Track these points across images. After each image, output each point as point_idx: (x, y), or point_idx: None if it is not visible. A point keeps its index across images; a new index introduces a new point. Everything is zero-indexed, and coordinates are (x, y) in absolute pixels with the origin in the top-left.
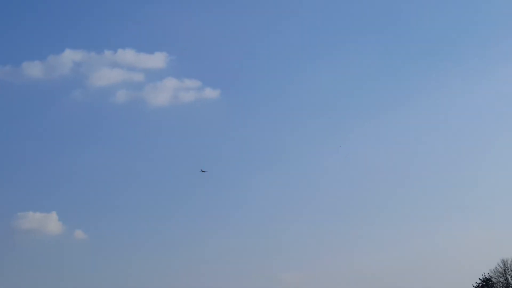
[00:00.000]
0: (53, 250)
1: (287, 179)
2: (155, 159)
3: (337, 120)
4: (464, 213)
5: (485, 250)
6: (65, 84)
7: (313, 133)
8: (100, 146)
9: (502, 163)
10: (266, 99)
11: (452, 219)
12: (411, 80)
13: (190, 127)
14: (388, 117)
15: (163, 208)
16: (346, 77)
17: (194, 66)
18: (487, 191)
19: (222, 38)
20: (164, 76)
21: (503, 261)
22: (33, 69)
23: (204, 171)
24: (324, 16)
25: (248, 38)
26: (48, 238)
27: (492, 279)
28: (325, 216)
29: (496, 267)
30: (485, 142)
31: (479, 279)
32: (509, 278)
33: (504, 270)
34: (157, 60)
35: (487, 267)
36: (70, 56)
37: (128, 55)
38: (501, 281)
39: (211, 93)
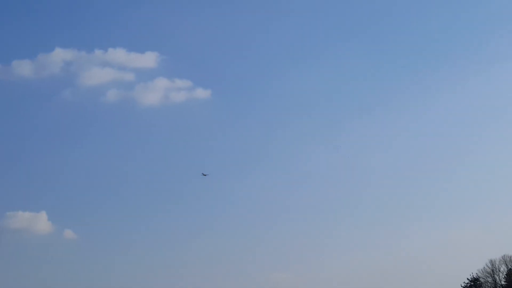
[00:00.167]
0: (43, 249)
1: (278, 179)
2: (145, 159)
3: (327, 119)
4: (452, 214)
5: (473, 251)
6: (56, 83)
7: (304, 133)
8: (90, 146)
9: (491, 164)
10: (257, 99)
11: (440, 220)
12: (400, 80)
13: (181, 127)
14: (378, 116)
15: (153, 208)
16: (336, 77)
17: (185, 66)
18: (476, 192)
19: (214, 39)
20: (155, 76)
21: (491, 261)
22: (23, 68)
23: (205, 175)
24: (314, 17)
25: (239, 38)
26: (38, 238)
27: (480, 279)
28: (316, 216)
29: (484, 267)
30: (474, 143)
31: (467, 279)
32: (497, 278)
33: (492, 270)
34: (148, 59)
35: (475, 267)
36: (60, 55)
37: (118, 54)
38: (489, 281)
39: (202, 93)
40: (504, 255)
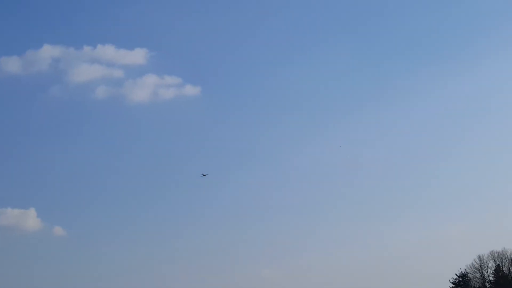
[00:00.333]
0: (32, 247)
1: (268, 176)
2: (134, 155)
3: (317, 116)
4: (441, 211)
5: (461, 247)
6: (44, 80)
7: (293, 130)
8: (79, 143)
9: (480, 160)
10: (246, 96)
11: (429, 217)
12: (390, 77)
13: (170, 124)
14: (368, 113)
15: (143, 205)
16: (326, 74)
17: (175, 63)
18: (464, 189)
19: (203, 35)
20: (144, 72)
21: (479, 257)
22: (11, 64)
23: (204, 175)
24: (303, 16)
25: (229, 35)
26: (27, 235)
27: (468, 274)
28: (306, 213)
29: (472, 263)
30: (463, 140)
31: (456, 274)
32: (485, 273)
33: (480, 266)
34: (137, 56)
35: (463, 263)
36: (48, 52)
37: (107, 51)
38: (477, 276)
39: (191, 90)
40: (492, 251)
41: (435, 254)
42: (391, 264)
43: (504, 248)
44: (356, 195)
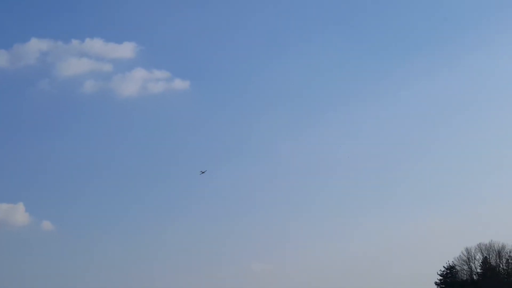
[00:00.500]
0: (20, 241)
1: (257, 170)
2: (123, 150)
3: (305, 110)
4: (428, 203)
5: (449, 239)
6: (32, 74)
7: (282, 123)
8: (68, 137)
9: (467, 152)
10: (235, 90)
11: (416, 209)
12: (375, 71)
13: (159, 118)
14: (354, 107)
15: (132, 199)
16: (313, 68)
17: (164, 57)
18: (452, 181)
19: (192, 29)
20: (133, 66)
21: (467, 249)
22: None
23: (203, 172)
24: (293, 9)
25: (218, 29)
26: (15, 229)
27: (456, 267)
28: (296, 207)
29: (460, 255)
30: (449, 132)
31: (444, 267)
32: (473, 266)
33: (468, 258)
34: (126, 50)
35: (451, 255)
36: (36, 45)
37: (96, 44)
38: (465, 268)
39: (180, 84)
40: (479, 243)
41: (423, 247)
42: (379, 257)
43: (491, 240)
44: (345, 189)
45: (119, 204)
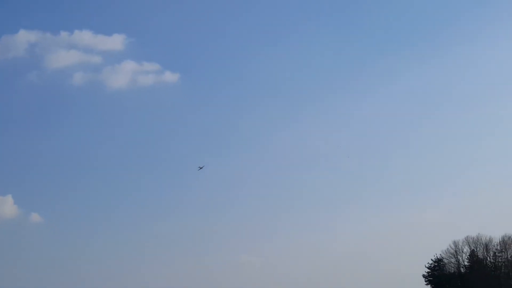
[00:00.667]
0: (9, 234)
1: (246, 161)
2: (112, 142)
3: (295, 101)
4: (416, 196)
5: (437, 232)
6: (21, 66)
7: (270, 116)
8: (57, 129)
9: (453, 146)
10: (225, 83)
11: (404, 202)
12: (362, 63)
13: (149, 110)
14: (341, 100)
15: (120, 192)
16: (302, 61)
17: (153, 49)
18: (439, 175)
19: (182, 22)
20: (122, 59)
21: (454, 242)
22: None
23: (201, 167)
24: (281, 2)
25: (207, 21)
26: (3, 222)
27: (444, 259)
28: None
29: (447, 248)
30: (435, 125)
31: (431, 259)
32: (460, 258)
33: (456, 251)
34: (115, 42)
35: (439, 248)
36: (25, 37)
37: (85, 36)
38: (453, 261)
39: (170, 76)
40: (467, 236)
41: (411, 240)
42: (367, 250)
43: (479, 233)
44: (333, 183)
45: (108, 196)
